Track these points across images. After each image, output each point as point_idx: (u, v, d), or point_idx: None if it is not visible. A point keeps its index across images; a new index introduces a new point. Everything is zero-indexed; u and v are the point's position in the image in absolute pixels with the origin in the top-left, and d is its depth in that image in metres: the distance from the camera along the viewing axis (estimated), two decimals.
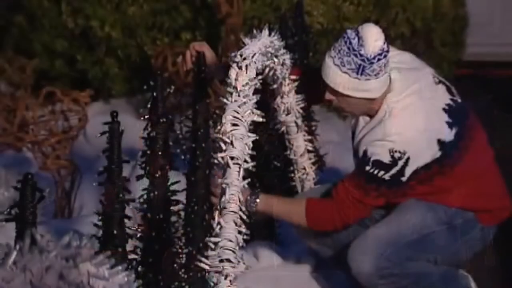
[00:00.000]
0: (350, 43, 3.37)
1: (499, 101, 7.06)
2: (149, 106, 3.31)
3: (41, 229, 2.09)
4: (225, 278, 2.74)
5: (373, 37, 3.37)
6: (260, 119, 3.06)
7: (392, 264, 3.46)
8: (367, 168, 3.47)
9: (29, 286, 1.73)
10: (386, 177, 3.45)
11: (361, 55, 3.36)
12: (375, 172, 3.46)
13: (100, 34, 6.10)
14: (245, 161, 2.90)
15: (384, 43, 3.38)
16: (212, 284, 2.76)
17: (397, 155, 3.43)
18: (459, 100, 3.60)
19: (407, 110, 3.48)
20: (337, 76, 3.42)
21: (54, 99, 4.41)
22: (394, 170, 3.44)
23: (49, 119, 4.39)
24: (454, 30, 6.80)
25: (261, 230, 3.94)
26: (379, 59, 3.37)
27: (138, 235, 3.28)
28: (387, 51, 3.40)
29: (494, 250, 4.06)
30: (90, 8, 6.09)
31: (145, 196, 3.28)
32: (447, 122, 3.51)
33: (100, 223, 3.07)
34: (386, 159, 3.44)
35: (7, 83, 5.37)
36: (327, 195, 3.73)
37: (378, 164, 3.45)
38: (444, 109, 3.53)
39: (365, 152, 3.50)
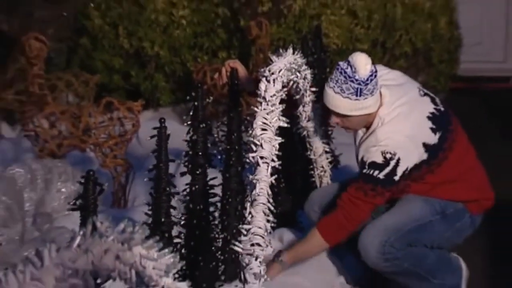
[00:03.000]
0: (345, 72, 3.40)
1: (488, 109, 7.04)
2: (191, 113, 3.31)
3: (100, 217, 2.07)
4: (256, 259, 2.74)
5: (363, 62, 3.39)
6: (285, 125, 3.05)
7: (395, 249, 3.44)
8: (364, 170, 3.48)
9: (90, 266, 1.73)
10: (381, 176, 3.44)
11: (356, 80, 3.38)
12: (371, 172, 3.46)
13: (150, 53, 6.11)
14: (273, 160, 2.89)
15: (372, 65, 3.41)
16: (244, 264, 2.75)
17: (388, 156, 3.43)
18: (442, 109, 3.59)
19: (396, 119, 3.48)
20: (340, 102, 3.44)
21: (112, 107, 4.42)
22: (387, 170, 3.44)
23: (108, 124, 4.40)
24: (450, 49, 6.76)
25: (285, 219, 3.91)
26: (371, 79, 3.40)
27: (182, 222, 3.28)
28: (376, 71, 3.43)
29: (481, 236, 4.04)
30: (142, 31, 6.11)
31: (187, 190, 3.27)
32: (431, 128, 3.51)
33: (150, 212, 3.07)
34: (379, 160, 3.44)
35: (74, 95, 5.38)
36: (335, 191, 3.76)
37: (373, 165, 3.46)
38: (428, 117, 3.53)
39: (362, 158, 3.52)
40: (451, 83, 6.87)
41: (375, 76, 3.43)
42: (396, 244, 3.45)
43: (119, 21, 6.19)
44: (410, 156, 3.47)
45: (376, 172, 3.45)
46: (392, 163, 3.43)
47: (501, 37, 8.13)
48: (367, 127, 3.55)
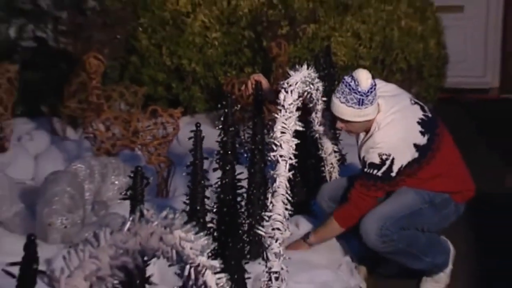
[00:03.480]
0: (349, 85, 3.42)
1: (470, 116, 7.01)
2: (222, 119, 3.30)
3: (147, 205, 2.07)
4: (276, 241, 2.73)
5: (364, 77, 3.41)
6: (301, 128, 3.05)
7: (391, 233, 3.43)
8: (365, 169, 3.50)
9: (138, 246, 1.73)
10: (379, 174, 3.46)
11: (359, 92, 3.40)
12: (371, 171, 3.47)
13: (188, 69, 6.11)
14: (290, 158, 2.88)
15: (372, 79, 3.43)
16: (266, 245, 2.75)
17: (384, 157, 3.44)
18: (430, 115, 3.59)
19: (390, 124, 3.48)
20: (345, 110, 3.46)
21: (157, 114, 4.42)
22: (384, 168, 3.45)
23: (153, 128, 4.41)
24: (438, 66, 6.70)
25: (300, 207, 3.91)
26: (371, 91, 3.41)
27: (214, 210, 3.28)
28: (375, 85, 3.45)
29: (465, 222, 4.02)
30: (181, 50, 6.11)
31: (219, 183, 3.27)
32: (420, 131, 3.51)
33: (187, 201, 3.08)
34: (377, 160, 3.45)
35: (125, 103, 5.39)
36: (343, 184, 3.81)
37: (372, 165, 3.47)
38: (418, 122, 3.52)
39: (363, 158, 3.53)
40: (439, 94, 6.82)
41: (375, 88, 3.44)
42: (391, 228, 3.44)
43: (162, 42, 6.20)
44: (403, 155, 3.47)
45: (375, 171, 3.46)
46: (388, 162, 3.45)
47: (481, 56, 8.04)
48: (367, 131, 3.56)
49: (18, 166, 4.83)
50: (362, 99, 3.41)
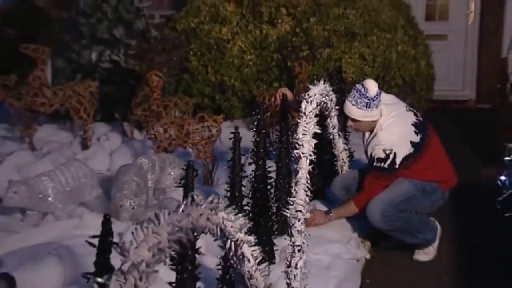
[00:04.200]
0: (360, 91, 3.41)
1: (452, 121, 6.93)
2: (255, 123, 3.28)
3: (196, 192, 2.07)
4: (298, 221, 2.70)
5: (372, 85, 3.41)
6: (318, 131, 3.01)
7: (391, 214, 3.41)
8: (374, 163, 3.48)
9: (190, 225, 1.72)
10: (386, 166, 3.43)
11: (367, 97, 3.39)
12: (379, 164, 3.45)
13: (228, 84, 6.12)
14: (310, 155, 2.85)
15: (377, 87, 3.43)
16: (291, 224, 2.72)
17: (388, 151, 3.42)
18: (422, 120, 3.58)
19: (390, 125, 3.46)
20: (355, 111, 3.45)
21: (204, 119, 4.42)
22: (388, 161, 3.42)
23: (201, 130, 4.40)
24: (427, 82, 6.64)
25: (317, 194, 3.87)
26: (377, 97, 3.41)
27: (249, 196, 3.26)
28: (380, 93, 3.45)
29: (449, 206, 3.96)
30: (223, 69, 6.12)
31: (253, 174, 3.25)
32: (414, 131, 3.48)
33: (228, 189, 3.06)
34: (382, 155, 3.43)
35: (179, 111, 5.40)
36: (352, 176, 3.81)
37: (379, 159, 3.45)
38: (412, 124, 3.50)
39: (370, 155, 3.51)
40: (428, 104, 6.76)
41: (379, 95, 3.43)
42: (391, 211, 3.41)
43: (208, 63, 6.22)
44: (402, 149, 3.44)
45: (382, 164, 3.44)
46: (391, 156, 3.42)
47: (460, 74, 8.00)
48: (371, 131, 3.53)
49: (97, 160, 4.86)
50: (369, 103, 3.40)
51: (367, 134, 3.59)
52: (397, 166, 3.43)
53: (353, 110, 3.45)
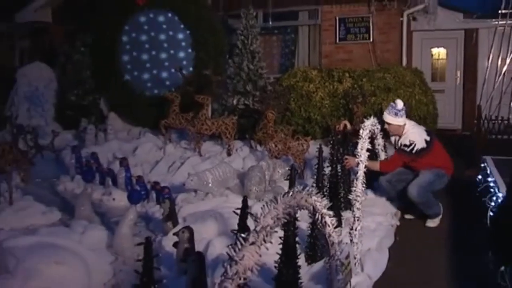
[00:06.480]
0: (392, 106, 3.46)
1: (446, 142, 6.35)
2: (330, 142, 3.27)
3: (296, 183, 2.07)
4: (358, 202, 2.66)
5: (399, 102, 3.45)
6: (369, 147, 2.95)
7: (422, 193, 3.33)
8: (401, 147, 3.43)
9: (295, 205, 1.72)
10: (407, 149, 3.40)
11: (396, 109, 3.41)
12: (403, 148, 3.41)
13: (313, 118, 6.01)
14: (364, 153, 2.82)
15: (403, 104, 3.45)
16: (353, 203, 2.66)
17: (411, 141, 3.39)
18: (429, 130, 3.54)
19: (412, 130, 3.44)
20: (388, 117, 3.47)
21: (299, 139, 4.44)
22: (409, 148, 3.39)
23: (297, 145, 4.43)
24: (433, 118, 6.09)
25: (368, 184, 3.73)
26: (402, 110, 3.42)
27: (327, 186, 3.21)
28: (405, 108, 3.46)
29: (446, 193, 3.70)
30: (310, 108, 6.03)
31: (329, 173, 3.20)
32: (426, 134, 3.44)
33: (315, 182, 3.04)
34: (407, 143, 3.39)
35: (283, 134, 5.32)
36: (392, 173, 3.61)
37: (404, 145, 3.43)
38: (425, 131, 3.48)
39: (400, 144, 3.45)
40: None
41: (404, 109, 3.45)
42: (423, 190, 3.35)
43: (301, 105, 6.20)
44: (419, 143, 3.41)
45: (406, 148, 3.41)
46: (412, 145, 3.39)
47: (452, 113, 7.74)
48: (400, 136, 3.49)
49: (236, 162, 4.95)
50: (397, 112, 3.44)
51: (393, 138, 3.57)
52: (414, 151, 3.39)
53: (387, 116, 3.49)
